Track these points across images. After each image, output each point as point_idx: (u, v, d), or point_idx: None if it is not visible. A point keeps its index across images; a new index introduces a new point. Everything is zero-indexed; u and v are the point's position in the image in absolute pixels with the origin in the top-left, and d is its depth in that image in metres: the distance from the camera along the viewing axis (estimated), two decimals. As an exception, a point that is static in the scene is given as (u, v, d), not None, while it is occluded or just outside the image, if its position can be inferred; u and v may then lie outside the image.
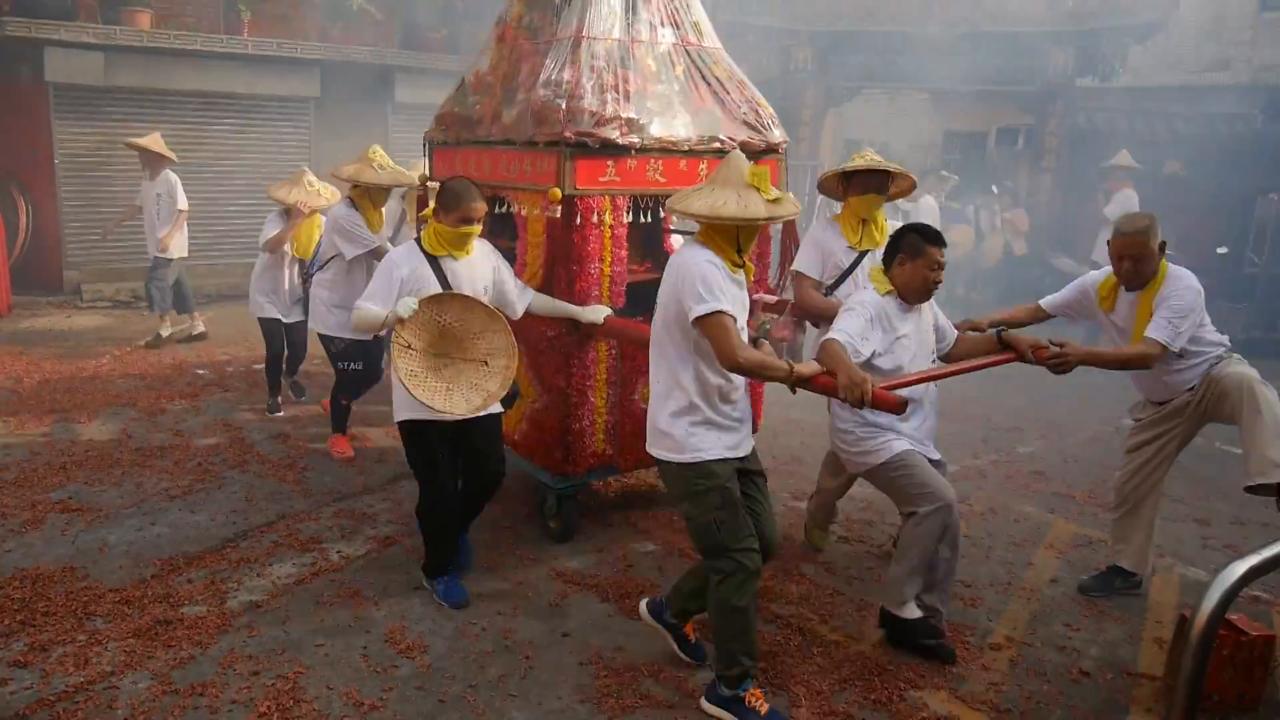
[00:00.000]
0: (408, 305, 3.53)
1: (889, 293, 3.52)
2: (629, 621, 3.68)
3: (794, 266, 4.32)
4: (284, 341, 6.35)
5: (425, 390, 3.56)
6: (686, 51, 4.55)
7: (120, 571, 3.99)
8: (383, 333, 4.57)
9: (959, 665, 3.48)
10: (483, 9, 12.50)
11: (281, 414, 6.32)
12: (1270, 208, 10.86)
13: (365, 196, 5.39)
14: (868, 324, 3.41)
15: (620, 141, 4.10)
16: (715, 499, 3.02)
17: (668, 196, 3.64)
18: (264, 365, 6.57)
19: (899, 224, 3.82)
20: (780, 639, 3.61)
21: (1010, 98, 14.40)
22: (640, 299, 4.30)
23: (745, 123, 4.55)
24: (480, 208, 3.70)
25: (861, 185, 4.11)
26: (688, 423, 3.04)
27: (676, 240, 5.11)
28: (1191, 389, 3.87)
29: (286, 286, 6.26)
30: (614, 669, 3.38)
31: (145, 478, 5.05)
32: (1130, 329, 3.85)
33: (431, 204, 3.86)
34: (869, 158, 4.14)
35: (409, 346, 3.59)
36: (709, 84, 4.55)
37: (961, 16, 12.09)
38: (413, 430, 3.75)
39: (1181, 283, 3.72)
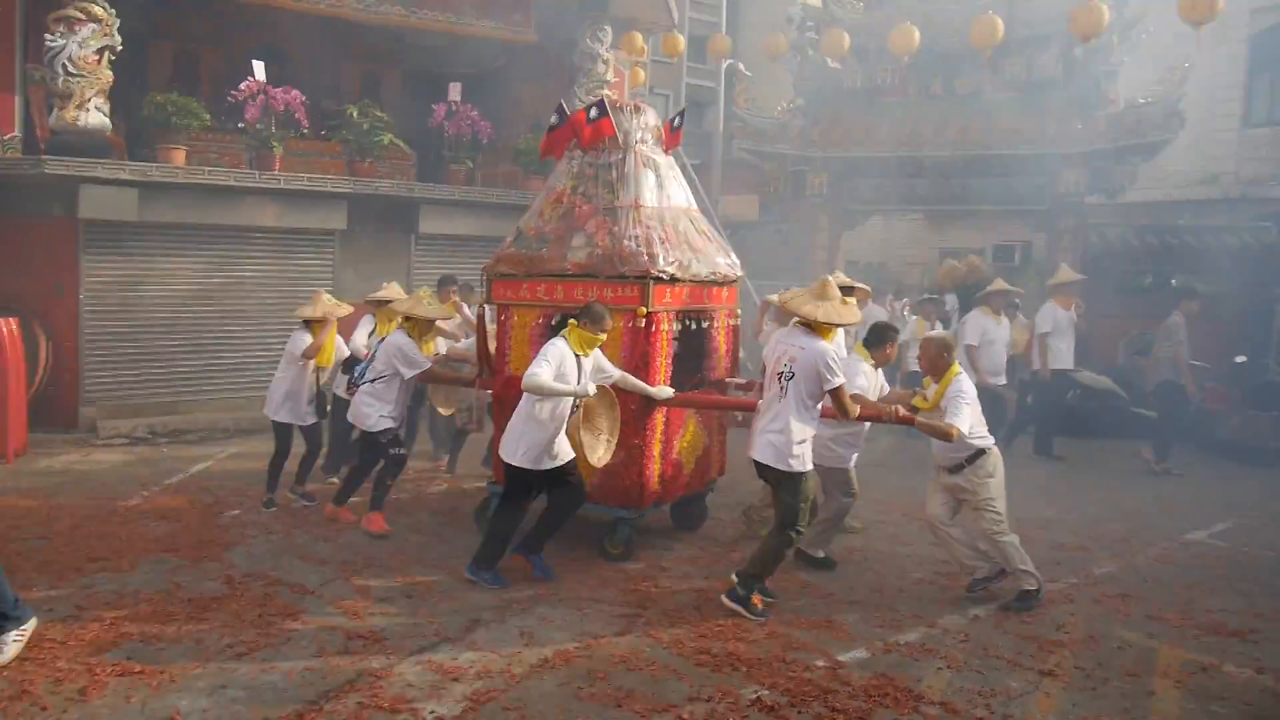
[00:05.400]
0: (589, 387, 5.32)
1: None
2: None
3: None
4: (290, 443, 7.19)
5: (585, 438, 5.51)
6: (687, 215, 6.52)
7: (198, 744, 3.67)
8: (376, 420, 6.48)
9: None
10: (506, 138, 12.80)
11: (275, 509, 7.04)
12: (1289, 316, 11.02)
13: (415, 327, 6.53)
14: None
15: (678, 275, 6.03)
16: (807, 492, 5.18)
17: (699, 311, 6.41)
18: (269, 461, 7.22)
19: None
20: None
21: (1014, 215, 14.70)
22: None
23: (724, 261, 6.58)
24: (610, 324, 5.49)
25: None
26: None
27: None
28: None
29: (305, 395, 7.09)
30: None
31: (204, 632, 4.72)
32: None
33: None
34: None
35: (579, 408, 5.46)
36: (700, 235, 6.52)
37: (974, 140, 12.47)
38: (522, 472, 5.45)
39: None
